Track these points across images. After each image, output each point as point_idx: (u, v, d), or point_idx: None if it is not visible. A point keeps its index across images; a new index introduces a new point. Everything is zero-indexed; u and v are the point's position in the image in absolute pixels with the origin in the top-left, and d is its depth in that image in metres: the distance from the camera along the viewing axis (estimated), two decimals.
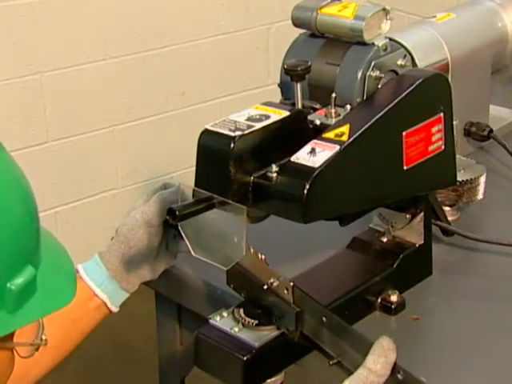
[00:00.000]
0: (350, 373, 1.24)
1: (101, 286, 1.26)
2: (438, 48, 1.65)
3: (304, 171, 1.16)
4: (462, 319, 1.35)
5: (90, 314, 1.27)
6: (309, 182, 1.15)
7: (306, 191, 1.14)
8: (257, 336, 1.27)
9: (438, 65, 1.65)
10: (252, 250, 1.27)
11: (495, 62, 1.77)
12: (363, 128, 1.21)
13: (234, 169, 1.15)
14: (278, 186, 1.17)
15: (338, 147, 1.18)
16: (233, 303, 1.32)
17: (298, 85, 1.25)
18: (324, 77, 1.29)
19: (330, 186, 1.18)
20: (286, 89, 1.31)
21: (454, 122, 1.53)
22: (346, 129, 1.21)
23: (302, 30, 1.34)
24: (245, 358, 1.24)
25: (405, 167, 1.27)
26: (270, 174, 1.17)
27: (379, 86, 1.27)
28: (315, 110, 1.29)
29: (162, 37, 3.14)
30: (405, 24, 1.76)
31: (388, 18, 1.28)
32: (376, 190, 1.27)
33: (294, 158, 1.18)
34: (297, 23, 1.32)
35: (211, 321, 1.28)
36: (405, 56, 1.31)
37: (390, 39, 1.61)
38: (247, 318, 1.29)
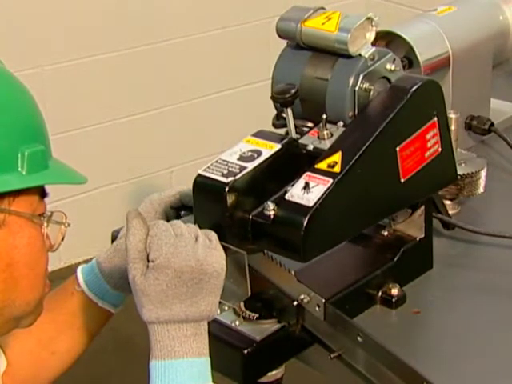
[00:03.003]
0: (350, 366, 1.24)
1: (103, 298, 1.26)
2: (439, 41, 1.65)
3: (299, 210, 1.16)
4: (462, 313, 1.35)
5: (94, 320, 1.28)
6: (304, 222, 1.15)
7: (302, 232, 1.15)
8: (257, 329, 1.27)
9: (439, 58, 1.64)
10: (281, 266, 1.26)
11: (496, 56, 1.76)
12: (355, 156, 1.20)
13: (229, 214, 1.16)
14: (276, 226, 1.17)
15: (330, 181, 1.18)
16: None
17: (289, 110, 1.24)
18: (314, 92, 1.28)
19: (327, 221, 1.19)
20: (278, 106, 1.29)
21: (455, 116, 1.53)
22: (337, 157, 1.20)
23: None
24: (245, 352, 1.24)
25: (402, 180, 1.27)
26: (267, 213, 1.17)
27: (371, 96, 1.26)
28: (308, 128, 1.28)
29: (161, 31, 3.14)
30: (406, 17, 1.76)
31: (373, 25, 1.26)
32: (375, 210, 1.27)
33: (288, 196, 1.18)
34: (282, 35, 1.31)
35: None
36: (394, 60, 1.30)
37: (391, 33, 1.61)
38: (248, 312, 1.29)
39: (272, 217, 1.17)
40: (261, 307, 1.29)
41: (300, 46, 1.30)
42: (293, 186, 1.19)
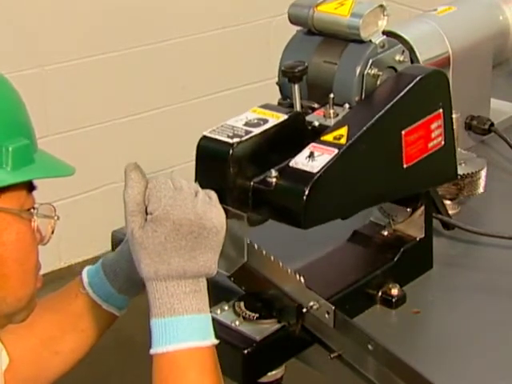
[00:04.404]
0: (351, 366, 1.24)
1: (108, 301, 1.25)
2: (439, 41, 1.65)
3: (303, 177, 1.16)
4: (462, 313, 1.35)
5: (98, 322, 1.27)
6: (307, 188, 1.15)
7: (304, 197, 1.15)
8: (257, 329, 1.27)
9: (439, 58, 1.64)
10: (290, 272, 1.26)
11: (496, 56, 1.76)
12: (361, 130, 1.20)
13: (232, 176, 1.15)
14: (277, 192, 1.17)
15: (336, 151, 1.18)
16: (233, 297, 1.32)
17: (296, 86, 1.25)
18: (322, 76, 1.29)
19: (330, 190, 1.18)
20: (284, 88, 1.31)
21: (455, 116, 1.53)
22: (344, 131, 1.21)
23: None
24: (245, 352, 1.24)
25: (405, 165, 1.27)
26: (269, 180, 1.17)
27: (378, 84, 1.27)
28: (314, 109, 1.29)
29: (161, 31, 3.14)
30: (406, 17, 1.76)
31: (385, 14, 1.28)
32: (376, 190, 1.27)
33: (292, 163, 1.18)
34: (293, 21, 1.32)
35: (212, 314, 1.27)
36: (403, 52, 1.31)
37: (391, 33, 1.61)
38: (248, 312, 1.29)
39: (274, 184, 1.17)
40: (261, 307, 1.29)
41: (311, 31, 1.31)
42: (297, 155, 1.19)
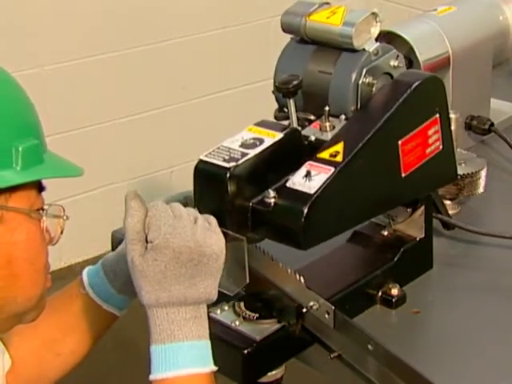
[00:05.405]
0: (351, 366, 1.24)
1: (108, 301, 1.25)
2: (439, 41, 1.65)
3: (300, 198, 1.16)
4: (462, 313, 1.35)
5: (98, 323, 1.27)
6: (305, 209, 1.15)
7: (303, 219, 1.15)
8: (257, 329, 1.27)
9: (439, 58, 1.65)
10: (290, 272, 1.26)
11: (496, 56, 1.76)
12: (357, 146, 1.20)
13: (230, 199, 1.16)
14: (276, 213, 1.17)
15: (332, 169, 1.18)
16: (233, 297, 1.32)
17: (291, 100, 1.25)
18: (317, 85, 1.28)
19: (328, 209, 1.19)
20: (279, 99, 1.30)
21: (455, 116, 1.53)
22: (340, 147, 1.20)
23: None
24: (245, 352, 1.24)
25: (403, 174, 1.27)
26: (267, 200, 1.17)
27: (373, 92, 1.26)
28: (310, 121, 1.28)
29: (161, 31, 3.14)
30: (406, 17, 1.76)
31: (378, 21, 1.27)
32: (375, 202, 1.27)
33: (290, 184, 1.18)
34: (286, 29, 1.31)
35: (212, 314, 1.28)
36: (397, 56, 1.30)
37: (391, 33, 1.61)
38: (248, 312, 1.29)
39: (272, 204, 1.17)
40: (261, 307, 1.29)
41: (304, 40, 1.31)
42: (294, 174, 1.19)
